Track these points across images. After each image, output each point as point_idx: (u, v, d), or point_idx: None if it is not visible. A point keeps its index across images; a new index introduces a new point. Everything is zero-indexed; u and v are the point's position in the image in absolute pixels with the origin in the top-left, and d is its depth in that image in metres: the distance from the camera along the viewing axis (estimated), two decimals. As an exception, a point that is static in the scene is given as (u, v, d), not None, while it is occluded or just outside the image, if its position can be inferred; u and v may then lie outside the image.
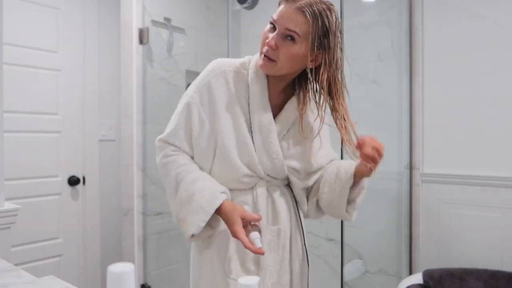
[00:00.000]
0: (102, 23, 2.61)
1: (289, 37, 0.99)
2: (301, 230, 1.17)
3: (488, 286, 1.81)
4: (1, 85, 1.46)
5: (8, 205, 1.47)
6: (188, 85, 2.67)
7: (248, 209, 1.04)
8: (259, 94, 1.07)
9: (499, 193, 1.92)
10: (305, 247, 1.17)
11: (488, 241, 1.94)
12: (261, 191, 1.10)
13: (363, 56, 2.18)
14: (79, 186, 2.50)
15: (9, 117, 2.11)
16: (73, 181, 2.45)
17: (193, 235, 1.03)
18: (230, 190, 1.09)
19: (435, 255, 2.08)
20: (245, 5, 2.59)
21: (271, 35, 1.00)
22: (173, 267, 2.48)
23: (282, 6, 1.00)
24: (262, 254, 0.97)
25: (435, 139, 2.11)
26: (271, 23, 1.02)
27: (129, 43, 2.31)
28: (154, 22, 2.37)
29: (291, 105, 1.11)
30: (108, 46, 2.62)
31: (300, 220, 1.18)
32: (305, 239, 1.17)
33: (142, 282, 2.29)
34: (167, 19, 2.46)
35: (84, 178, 2.52)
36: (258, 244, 0.96)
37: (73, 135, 2.47)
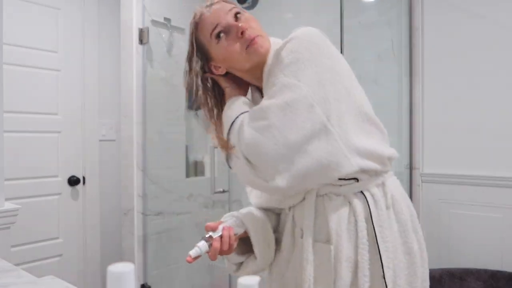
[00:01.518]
0: (102, 23, 2.61)
1: (236, 14, 0.92)
2: (379, 256, 0.86)
3: (488, 286, 1.81)
4: (1, 85, 1.46)
5: (8, 205, 1.47)
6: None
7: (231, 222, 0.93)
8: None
9: (499, 193, 1.92)
10: (385, 282, 0.85)
11: (488, 241, 1.94)
12: (309, 196, 0.91)
13: (363, 56, 2.18)
14: (79, 186, 2.50)
15: (9, 117, 2.11)
16: (73, 181, 2.45)
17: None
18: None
19: (435, 255, 2.08)
20: (245, 5, 2.59)
21: (229, 33, 0.90)
22: (173, 267, 2.48)
23: (208, 16, 0.93)
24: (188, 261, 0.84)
25: (435, 139, 2.11)
26: (217, 34, 0.91)
27: (129, 43, 2.31)
28: (154, 22, 2.37)
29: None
30: (108, 46, 2.62)
31: (377, 243, 0.86)
32: (385, 270, 0.85)
33: (142, 282, 2.29)
34: (167, 19, 2.46)
35: (84, 178, 2.52)
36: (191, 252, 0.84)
37: (73, 135, 2.47)
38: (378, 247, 0.85)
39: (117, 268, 0.39)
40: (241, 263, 0.97)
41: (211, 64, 0.96)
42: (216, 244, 0.85)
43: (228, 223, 0.92)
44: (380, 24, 2.24)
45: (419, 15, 2.13)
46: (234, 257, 0.97)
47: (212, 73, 0.97)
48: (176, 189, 2.53)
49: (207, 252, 0.85)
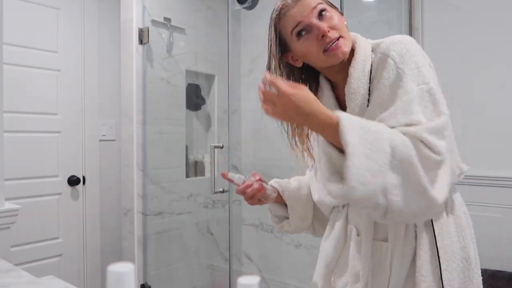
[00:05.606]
0: (102, 23, 2.61)
1: (321, 12, 0.89)
2: (437, 258, 0.87)
3: (488, 286, 1.81)
4: (1, 85, 1.46)
5: (8, 205, 1.47)
6: (188, 85, 2.68)
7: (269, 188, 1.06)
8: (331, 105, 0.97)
9: (499, 193, 1.92)
10: (442, 283, 0.86)
11: (488, 241, 1.94)
12: None
13: (363, 56, 2.17)
14: (79, 186, 2.50)
15: (9, 117, 2.11)
16: (73, 181, 2.45)
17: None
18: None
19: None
20: (245, 5, 2.59)
21: (310, 33, 0.88)
22: (173, 267, 2.48)
23: (292, 10, 0.90)
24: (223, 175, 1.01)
25: (435, 139, 2.11)
26: (298, 32, 0.89)
27: (129, 43, 2.31)
28: (154, 22, 2.38)
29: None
30: (108, 46, 2.62)
31: (436, 244, 0.88)
32: (443, 273, 0.86)
33: (142, 282, 2.29)
34: (167, 19, 2.46)
35: (84, 178, 2.52)
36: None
37: (73, 135, 2.47)
38: (437, 249, 0.87)
39: (117, 268, 0.39)
40: (282, 219, 1.11)
41: (289, 55, 0.95)
42: (249, 183, 0.99)
43: (266, 186, 1.04)
44: (380, 24, 2.24)
45: (419, 15, 2.13)
46: (276, 208, 1.10)
47: (289, 62, 0.97)
48: (176, 189, 2.53)
49: (238, 185, 1.00)
